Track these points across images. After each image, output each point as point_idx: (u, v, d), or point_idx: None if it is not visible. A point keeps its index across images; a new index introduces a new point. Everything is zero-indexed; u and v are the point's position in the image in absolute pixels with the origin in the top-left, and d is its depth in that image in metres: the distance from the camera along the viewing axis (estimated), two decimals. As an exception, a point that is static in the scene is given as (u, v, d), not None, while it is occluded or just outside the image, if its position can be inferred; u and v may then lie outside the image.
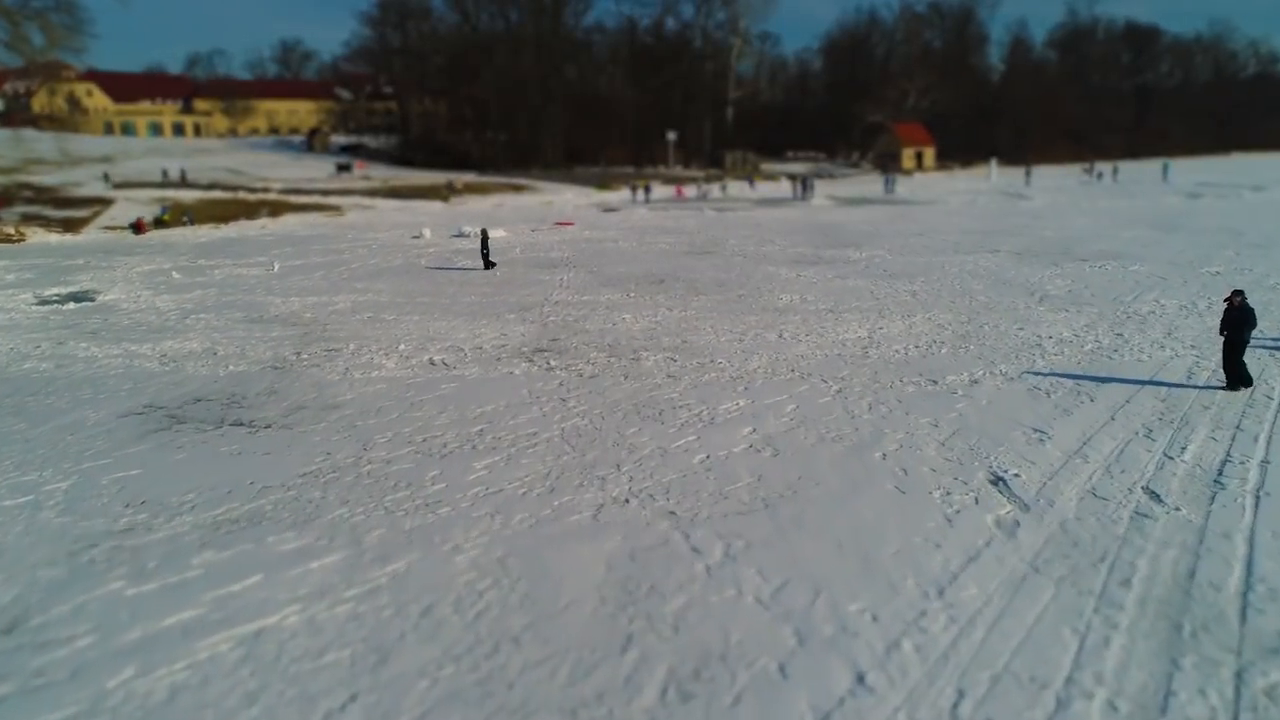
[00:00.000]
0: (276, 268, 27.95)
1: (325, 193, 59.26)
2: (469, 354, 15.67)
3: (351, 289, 23.67)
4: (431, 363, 15.05)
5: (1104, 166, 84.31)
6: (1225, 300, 12.60)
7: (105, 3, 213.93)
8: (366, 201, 56.73)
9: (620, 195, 66.37)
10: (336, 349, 16.28)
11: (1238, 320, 12.24)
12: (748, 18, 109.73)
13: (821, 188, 67.11)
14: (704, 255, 29.25)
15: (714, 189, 68.72)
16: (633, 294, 21.82)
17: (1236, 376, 12.40)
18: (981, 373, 13.60)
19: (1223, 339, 12.49)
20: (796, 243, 32.34)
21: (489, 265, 26.58)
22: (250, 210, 50.31)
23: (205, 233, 41.18)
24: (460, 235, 37.14)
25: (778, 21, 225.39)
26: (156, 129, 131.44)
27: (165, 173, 67.53)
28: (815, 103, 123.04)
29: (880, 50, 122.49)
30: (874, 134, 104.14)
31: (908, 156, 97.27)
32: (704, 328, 17.54)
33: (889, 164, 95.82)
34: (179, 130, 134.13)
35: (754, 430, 11.05)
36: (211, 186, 59.61)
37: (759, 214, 46.76)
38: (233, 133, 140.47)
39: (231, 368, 15.07)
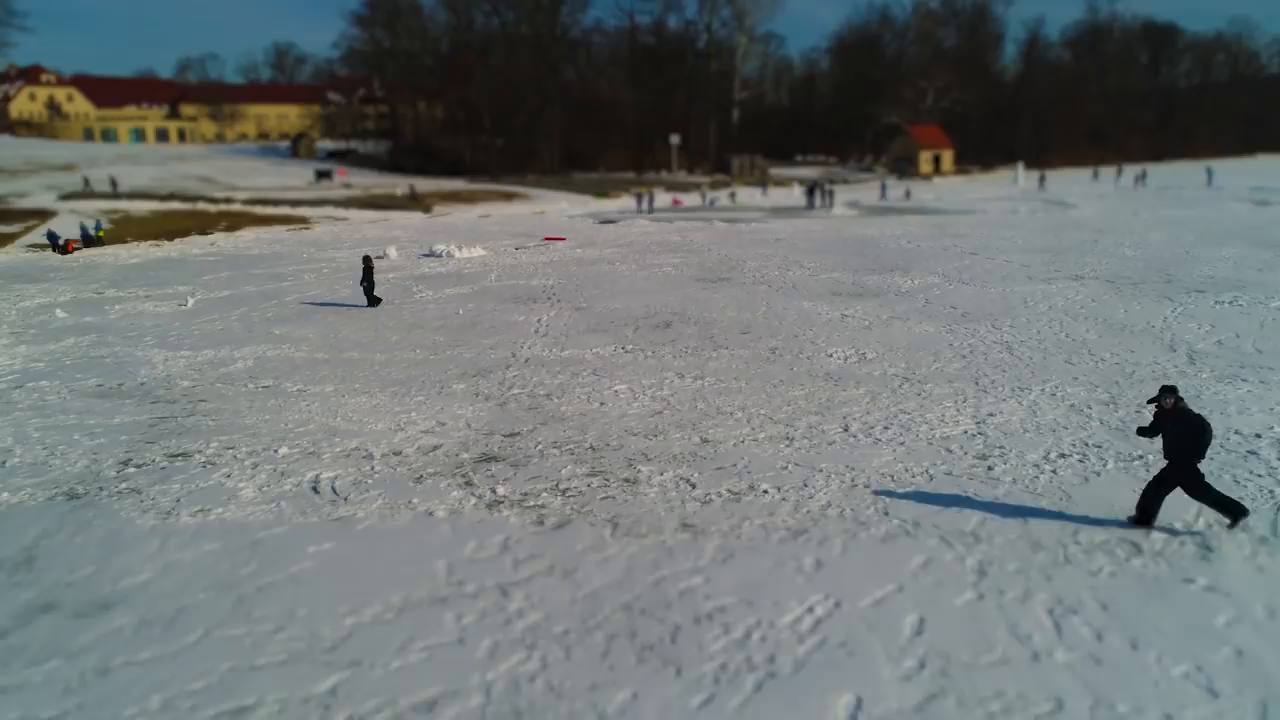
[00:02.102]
0: (191, 302, 22.63)
1: (295, 203, 53.97)
2: (378, 467, 10.30)
3: (267, 336, 18.33)
4: (315, 489, 9.69)
5: (1133, 169, 78.84)
6: (1153, 401, 8.10)
7: (94, 7, 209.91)
8: (340, 213, 51.39)
9: (620, 203, 61.06)
10: (187, 454, 10.92)
11: (1180, 436, 7.87)
12: (755, 15, 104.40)
13: (839, 194, 61.59)
14: (718, 283, 23.90)
15: (722, 196, 63.35)
16: (629, 346, 16.45)
17: (1150, 510, 8.17)
18: (1199, 520, 8.22)
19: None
20: (828, 264, 26.96)
21: (372, 301, 21.29)
22: (208, 223, 44.99)
23: (142, 251, 35.87)
24: (431, 255, 31.80)
25: (780, 23, 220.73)
26: (139, 134, 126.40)
27: (87, 181, 60.20)
28: (824, 105, 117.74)
29: (892, 49, 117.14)
30: (888, 136, 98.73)
31: (925, 160, 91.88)
32: (731, 409, 12.18)
33: (905, 168, 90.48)
34: (163, 136, 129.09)
35: (858, 705, 5.66)
36: (170, 197, 54.30)
37: (776, 226, 41.35)
38: (220, 138, 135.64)
39: (5, 495, 9.71)
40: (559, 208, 58.11)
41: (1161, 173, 78.16)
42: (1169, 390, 7.94)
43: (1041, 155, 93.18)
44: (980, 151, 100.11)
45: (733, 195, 62.99)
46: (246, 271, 29.09)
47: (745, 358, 15.32)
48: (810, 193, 55.46)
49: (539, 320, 19.25)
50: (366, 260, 21.58)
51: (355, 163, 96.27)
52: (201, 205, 51.42)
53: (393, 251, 32.05)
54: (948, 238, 33.44)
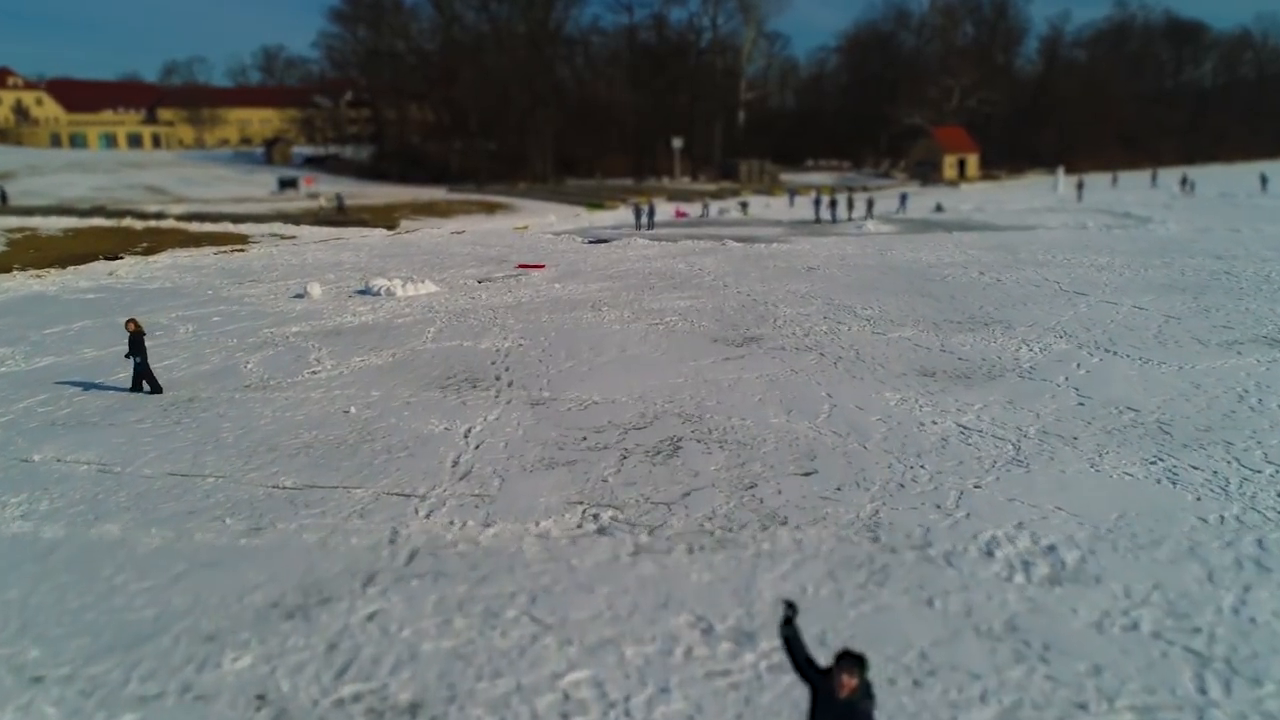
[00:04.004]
0: (-29, 385, 15.42)
1: (240, 218, 46.66)
2: None
3: (11, 467, 11.08)
4: None
5: (1167, 174, 71.55)
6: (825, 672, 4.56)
7: (83, 11, 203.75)
8: (290, 229, 44.11)
9: (617, 215, 53.86)
10: None
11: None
12: (762, 7, 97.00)
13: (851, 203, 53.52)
14: (746, 347, 16.63)
15: (732, 207, 56.02)
16: (609, 512, 9.16)
17: None
18: None
19: None
20: (890, 311, 19.66)
21: (139, 386, 14.56)
22: (127, 243, 37.86)
23: (14, 285, 28.60)
24: (367, 293, 24.58)
25: (784, 22, 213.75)
26: (110, 140, 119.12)
27: None
28: (834, 107, 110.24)
29: (908, 47, 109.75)
30: (907, 139, 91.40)
31: (949, 164, 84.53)
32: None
33: (929, 173, 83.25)
34: (136, 141, 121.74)
35: None
36: (93, 211, 46.97)
37: (802, 248, 33.95)
38: (200, 143, 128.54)
39: None
40: (546, 221, 50.84)
41: (1201, 177, 70.52)
42: (853, 661, 4.34)
43: (1068, 158, 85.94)
44: (1004, 155, 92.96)
45: (744, 205, 55.46)
46: (112, 319, 21.82)
47: (826, 555, 8.04)
48: (818, 203, 47.57)
49: (468, 434, 11.97)
50: (131, 327, 14.25)
51: (335, 169, 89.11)
52: (128, 221, 44.12)
53: (316, 289, 24.71)
54: (1026, 267, 26.10)
